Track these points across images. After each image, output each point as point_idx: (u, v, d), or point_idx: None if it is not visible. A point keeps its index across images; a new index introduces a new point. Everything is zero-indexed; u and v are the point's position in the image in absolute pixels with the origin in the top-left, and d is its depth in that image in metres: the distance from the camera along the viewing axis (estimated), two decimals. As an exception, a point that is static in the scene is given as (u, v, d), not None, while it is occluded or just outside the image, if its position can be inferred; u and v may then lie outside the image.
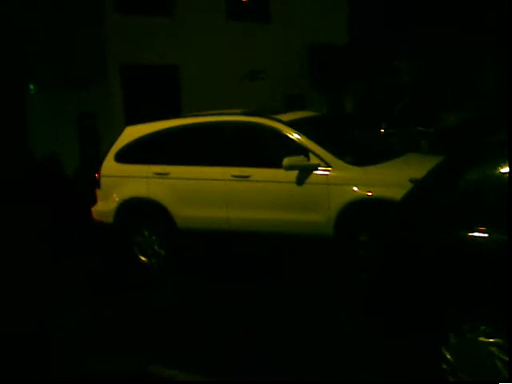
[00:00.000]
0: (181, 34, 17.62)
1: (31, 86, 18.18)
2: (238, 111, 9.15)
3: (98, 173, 9.54)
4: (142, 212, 9.18)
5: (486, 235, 4.48)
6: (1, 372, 5.78)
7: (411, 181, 7.36)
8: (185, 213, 8.84)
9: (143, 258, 9.17)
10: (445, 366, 4.56)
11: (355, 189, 7.93)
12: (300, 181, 8.15)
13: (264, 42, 19.17)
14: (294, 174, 8.15)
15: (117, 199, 9.29)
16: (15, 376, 5.73)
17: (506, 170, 4.59)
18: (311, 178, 8.12)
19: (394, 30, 20.47)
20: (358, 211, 7.88)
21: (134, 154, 9.41)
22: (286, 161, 8.11)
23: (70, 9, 16.89)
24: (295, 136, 8.38)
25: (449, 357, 4.54)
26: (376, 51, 19.99)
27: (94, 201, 9.64)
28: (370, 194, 7.84)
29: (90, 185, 9.95)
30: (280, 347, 6.01)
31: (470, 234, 4.55)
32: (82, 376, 5.71)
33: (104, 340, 6.54)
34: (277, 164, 8.21)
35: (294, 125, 8.59)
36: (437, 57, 19.18)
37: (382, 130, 16.13)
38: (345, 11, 21.68)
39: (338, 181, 8.01)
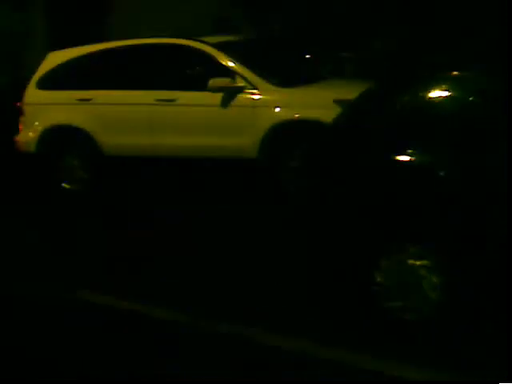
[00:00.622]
0: None
1: None
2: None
3: (21, 101, 9.25)
4: (65, 139, 8.97)
5: (413, 158, 4.49)
6: None
7: (335, 101, 7.40)
8: (109, 139, 8.66)
9: (67, 186, 9.01)
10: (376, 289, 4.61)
11: (280, 111, 7.89)
12: (225, 103, 8.06)
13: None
14: (219, 96, 8.05)
15: (39, 128, 9.06)
16: None
17: (435, 93, 4.59)
18: (237, 101, 8.04)
19: None
20: (283, 133, 7.86)
21: (57, 80, 9.18)
22: (211, 82, 8.01)
23: None
24: (221, 58, 8.24)
25: (379, 279, 4.58)
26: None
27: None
28: (296, 115, 7.82)
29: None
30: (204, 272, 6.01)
31: (398, 157, 4.54)
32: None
33: (28, 266, 6.46)
34: (203, 87, 8.09)
35: (221, 47, 8.44)
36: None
37: (309, 56, 15.96)
38: None
39: (263, 103, 7.96)
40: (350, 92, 6.69)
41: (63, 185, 9.01)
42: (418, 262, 4.43)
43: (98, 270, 6.26)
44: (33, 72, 9.49)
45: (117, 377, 4.31)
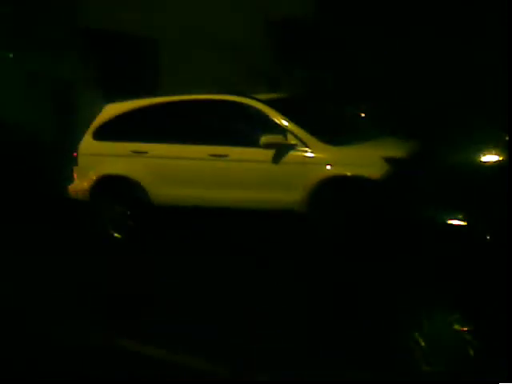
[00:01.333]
0: (161, 8, 17.48)
1: (10, 54, 18.00)
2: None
3: (76, 151, 9.53)
4: (117, 189, 9.18)
5: (462, 221, 4.51)
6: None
7: (385, 159, 7.47)
8: (161, 191, 8.84)
9: (117, 235, 9.19)
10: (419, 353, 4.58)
11: (330, 168, 8.01)
12: (277, 160, 8.20)
13: (241, 14, 18.88)
14: (271, 153, 8.20)
15: (93, 177, 9.29)
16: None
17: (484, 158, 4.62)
18: (288, 158, 8.17)
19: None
20: (331, 189, 7.95)
21: (112, 131, 9.41)
22: (263, 139, 8.17)
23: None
24: (273, 115, 8.41)
25: (423, 344, 4.55)
26: (349, 26, 19.70)
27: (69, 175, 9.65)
28: (347, 172, 7.91)
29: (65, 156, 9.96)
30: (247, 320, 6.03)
31: (445, 217, 4.57)
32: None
33: (72, 311, 6.56)
34: (255, 143, 8.27)
35: (272, 104, 8.62)
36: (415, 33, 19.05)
37: (363, 113, 16.10)
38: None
39: (314, 160, 8.09)
40: (400, 150, 6.81)
41: (114, 233, 9.19)
42: (462, 327, 4.41)
43: (130, 315, 6.36)
44: (84, 119, 9.80)
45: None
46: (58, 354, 5.52)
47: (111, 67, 17.28)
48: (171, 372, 5.17)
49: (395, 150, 7.66)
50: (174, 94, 9.49)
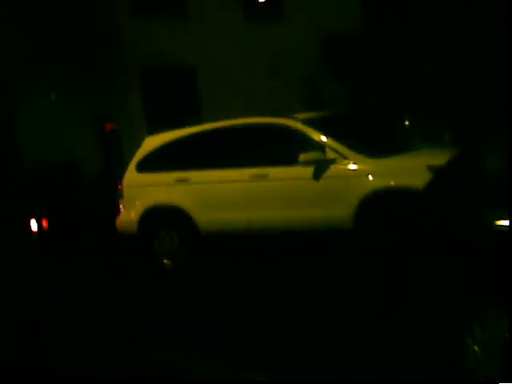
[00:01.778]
0: (197, 36, 17.79)
1: (52, 94, 18.45)
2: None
3: (121, 184, 9.69)
4: (164, 219, 9.30)
5: (502, 224, 4.41)
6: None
7: (428, 168, 7.40)
8: (206, 216, 8.94)
9: (167, 264, 9.27)
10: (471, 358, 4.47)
11: (373, 180, 7.95)
12: (317, 176, 8.19)
13: (278, 41, 19.20)
14: (311, 169, 8.20)
15: (140, 209, 9.42)
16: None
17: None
18: (328, 172, 8.16)
19: (410, 17, 20.24)
20: (377, 202, 7.89)
21: (154, 162, 9.56)
22: (302, 157, 8.19)
23: (87, 12, 17.16)
24: (310, 132, 8.43)
25: (476, 348, 4.44)
26: (392, 40, 19.80)
27: (115, 208, 9.80)
28: (392, 183, 7.85)
29: (112, 188, 10.13)
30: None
31: (497, 222, 4.49)
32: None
33: (125, 342, 6.63)
34: (294, 161, 8.29)
35: (309, 122, 8.65)
36: (459, 47, 18.96)
37: (407, 123, 16.04)
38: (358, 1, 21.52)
39: (355, 173, 8.06)
40: (443, 159, 6.72)
41: (164, 262, 9.27)
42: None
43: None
44: (130, 151, 9.98)
45: None
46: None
47: (154, 100, 17.62)
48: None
49: (437, 158, 7.59)
50: (213, 120, 9.63)
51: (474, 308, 4.50)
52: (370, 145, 8.59)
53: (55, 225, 11.45)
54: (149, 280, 9.06)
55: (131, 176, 9.65)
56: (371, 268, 7.65)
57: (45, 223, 11.16)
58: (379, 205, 7.91)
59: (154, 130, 10.83)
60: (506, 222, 4.43)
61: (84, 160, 16.81)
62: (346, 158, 8.13)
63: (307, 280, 8.04)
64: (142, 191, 9.50)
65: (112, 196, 10.17)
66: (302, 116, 8.92)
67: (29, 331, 6.93)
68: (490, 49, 16.20)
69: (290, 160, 8.37)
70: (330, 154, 8.19)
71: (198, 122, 11.83)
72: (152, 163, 9.55)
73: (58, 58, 17.54)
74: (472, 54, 16.74)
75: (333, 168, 8.15)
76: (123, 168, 10.09)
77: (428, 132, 14.47)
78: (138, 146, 9.94)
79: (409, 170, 7.86)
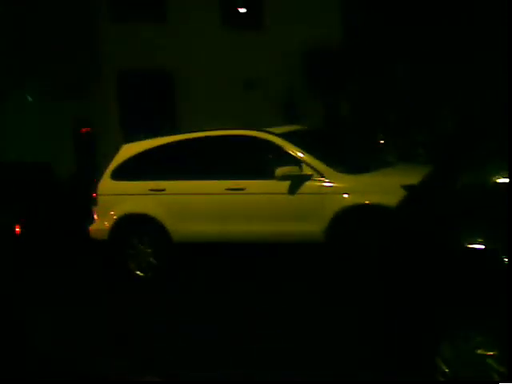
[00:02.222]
0: (175, 41, 17.78)
1: (28, 96, 18.33)
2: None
3: (95, 191, 9.62)
4: (137, 228, 9.25)
5: (483, 246, 4.41)
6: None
7: (403, 187, 7.45)
8: (180, 227, 8.90)
9: (139, 273, 9.22)
10: (441, 379, 4.49)
11: (347, 197, 8.00)
12: (293, 191, 8.21)
13: (257, 50, 19.23)
14: (287, 184, 8.22)
15: (114, 217, 9.36)
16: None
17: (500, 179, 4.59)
18: (304, 188, 8.19)
19: (391, 31, 20.38)
20: (349, 218, 7.94)
21: (130, 171, 9.50)
22: (278, 171, 8.19)
23: (65, 16, 17.08)
24: (287, 147, 8.46)
25: (446, 370, 4.46)
26: (372, 54, 19.93)
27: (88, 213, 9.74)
28: (366, 201, 7.91)
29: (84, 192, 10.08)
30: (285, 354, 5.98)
31: (468, 244, 4.49)
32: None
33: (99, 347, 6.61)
34: (271, 176, 8.30)
35: (286, 137, 8.67)
36: (436, 61, 19.15)
37: (382, 141, 16.16)
38: (338, 14, 21.65)
39: (331, 190, 8.09)
40: (418, 177, 6.78)
41: (136, 272, 9.22)
42: (486, 352, 4.31)
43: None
44: (105, 159, 9.93)
45: None
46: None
47: (130, 104, 17.59)
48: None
49: (412, 176, 7.66)
50: (190, 130, 9.63)
51: (440, 326, 4.55)
52: (346, 161, 8.68)
53: (29, 228, 11.33)
54: (118, 288, 9.03)
55: (106, 184, 9.58)
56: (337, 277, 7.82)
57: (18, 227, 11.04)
58: (351, 221, 7.96)
59: (129, 134, 10.80)
60: (478, 246, 4.48)
61: (59, 162, 16.69)
62: (321, 174, 8.16)
63: (277, 287, 8.17)
64: (116, 199, 9.43)
65: (84, 199, 10.12)
66: (279, 130, 8.94)
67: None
68: (472, 64, 16.38)
69: (266, 174, 8.37)
70: (307, 170, 8.22)
71: (174, 127, 11.86)
72: (127, 172, 9.49)
73: (36, 59, 17.45)
74: (454, 70, 16.91)
75: (308, 184, 8.17)
76: (96, 172, 10.05)
77: (403, 150, 14.61)
78: (113, 150, 9.88)
79: (383, 188, 7.91)
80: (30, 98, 18.34)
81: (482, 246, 4.44)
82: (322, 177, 8.15)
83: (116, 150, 9.82)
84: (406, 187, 7.31)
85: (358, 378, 4.88)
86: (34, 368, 6.05)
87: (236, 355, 5.94)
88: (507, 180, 4.60)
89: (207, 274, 9.17)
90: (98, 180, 9.69)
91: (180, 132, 10.09)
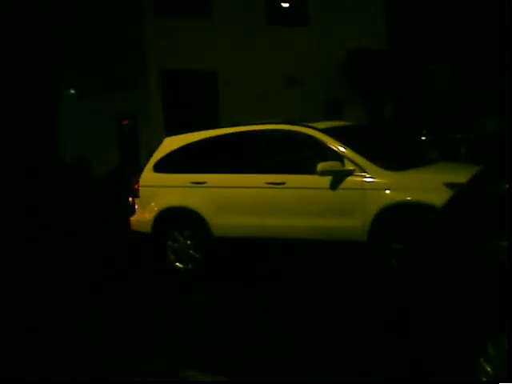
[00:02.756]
0: (218, 38, 17.84)
1: (72, 91, 18.62)
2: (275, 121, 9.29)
3: (137, 183, 9.70)
4: (178, 220, 9.29)
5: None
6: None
7: (446, 185, 7.39)
8: (220, 220, 8.93)
9: (178, 264, 9.28)
10: (484, 379, 4.44)
11: (390, 193, 7.93)
12: (334, 186, 8.17)
13: (302, 47, 19.22)
14: (328, 179, 8.18)
15: (155, 209, 9.43)
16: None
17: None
18: (346, 184, 8.14)
19: (433, 33, 20.29)
20: (393, 216, 7.87)
21: (172, 163, 9.56)
22: (320, 166, 8.15)
23: (110, 12, 17.30)
24: (329, 142, 8.41)
25: (489, 369, 4.44)
26: (415, 56, 19.85)
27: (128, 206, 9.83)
28: (408, 198, 7.83)
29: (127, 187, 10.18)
30: (315, 358, 5.94)
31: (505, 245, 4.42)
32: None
33: (139, 345, 6.63)
34: (311, 171, 8.26)
35: (329, 132, 8.63)
36: (476, 62, 18.97)
37: (424, 138, 16.00)
38: (383, 15, 21.58)
39: (373, 186, 8.02)
40: (461, 175, 6.71)
41: (176, 264, 9.28)
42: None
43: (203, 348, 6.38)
44: (147, 151, 10.02)
45: None
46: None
47: (174, 101, 17.72)
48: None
49: (455, 174, 7.58)
50: (232, 125, 9.67)
51: (486, 326, 4.49)
52: (388, 157, 8.60)
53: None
54: (159, 280, 9.11)
55: (148, 176, 9.65)
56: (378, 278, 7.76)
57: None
58: (394, 218, 7.89)
59: (171, 131, 10.87)
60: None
61: (102, 156, 16.97)
62: (363, 169, 8.11)
63: (312, 288, 8.11)
64: (157, 191, 9.50)
65: (124, 193, 10.23)
66: (322, 125, 8.91)
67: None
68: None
69: (307, 169, 8.35)
70: (349, 165, 8.17)
71: (216, 125, 11.90)
72: (169, 164, 9.56)
73: (82, 56, 17.72)
74: (494, 69, 16.71)
75: (350, 179, 8.13)
76: (137, 166, 10.12)
77: (445, 148, 14.44)
78: (155, 146, 9.97)
79: (426, 185, 7.85)
80: (73, 95, 18.64)
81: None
82: (364, 172, 8.10)
83: (159, 143, 9.90)
84: (449, 185, 7.29)
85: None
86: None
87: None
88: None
89: (244, 269, 9.18)
90: (141, 172, 9.78)
91: (222, 127, 10.15)
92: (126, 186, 10.29)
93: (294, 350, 6.01)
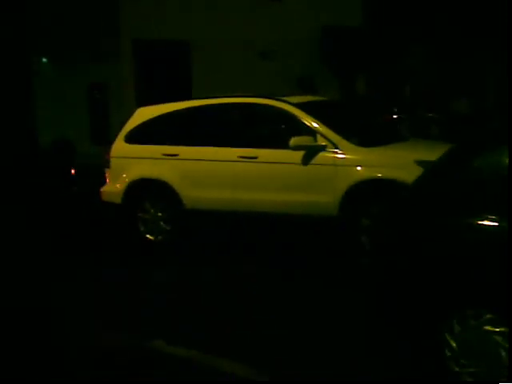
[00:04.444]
0: (192, 9, 17.67)
1: (43, 59, 18.32)
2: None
3: (108, 154, 9.63)
4: (149, 192, 9.27)
5: (496, 223, 4.42)
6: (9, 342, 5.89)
7: (417, 162, 7.46)
8: (192, 193, 8.90)
9: (149, 237, 9.26)
10: (448, 354, 4.55)
11: (361, 170, 7.98)
12: (306, 161, 8.19)
13: (277, 21, 19.11)
14: (300, 154, 8.19)
15: (126, 180, 9.37)
16: (19, 347, 5.81)
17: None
18: (318, 159, 8.16)
19: (409, 13, 20.31)
20: (363, 192, 7.93)
21: (144, 135, 9.48)
22: (292, 141, 8.15)
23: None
24: (302, 117, 8.42)
25: (453, 344, 4.54)
26: (389, 34, 19.87)
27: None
28: (379, 174, 7.89)
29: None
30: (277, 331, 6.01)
31: (479, 221, 4.51)
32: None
33: (106, 315, 6.64)
34: (284, 145, 8.25)
35: (303, 106, 8.63)
36: (450, 43, 19.05)
37: (395, 116, 16.09)
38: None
39: (345, 162, 8.06)
40: (432, 153, 6.76)
41: (146, 235, 9.27)
42: (494, 329, 4.34)
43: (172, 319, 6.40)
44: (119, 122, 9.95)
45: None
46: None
47: (146, 72, 17.57)
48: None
49: (426, 152, 7.64)
50: (205, 97, 9.59)
51: (450, 302, 4.57)
52: (361, 134, 8.62)
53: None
54: (130, 252, 9.09)
55: (119, 146, 9.56)
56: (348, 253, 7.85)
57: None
58: (364, 194, 7.96)
59: (143, 102, 10.78)
60: (488, 223, 4.47)
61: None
62: (336, 145, 8.14)
63: (284, 262, 8.17)
64: (129, 162, 9.43)
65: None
66: (295, 99, 8.88)
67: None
68: (489, 48, 16.28)
69: (280, 143, 8.35)
70: (321, 141, 8.19)
71: (188, 97, 11.82)
72: (142, 135, 9.47)
73: (54, 24, 17.44)
74: (471, 53, 16.83)
75: (322, 155, 8.15)
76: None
77: (416, 126, 14.55)
78: (126, 116, 9.88)
79: (397, 162, 7.91)
80: (44, 63, 18.34)
81: (495, 224, 4.45)
82: (336, 148, 8.13)
83: (131, 113, 9.82)
84: (420, 163, 7.36)
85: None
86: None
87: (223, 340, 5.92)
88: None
89: (215, 242, 9.20)
90: (112, 142, 9.71)
91: (195, 99, 10.08)
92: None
93: (257, 321, 6.09)
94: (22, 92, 17.79)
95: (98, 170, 10.03)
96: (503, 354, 4.29)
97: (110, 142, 9.87)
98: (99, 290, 7.45)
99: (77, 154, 14.40)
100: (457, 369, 4.53)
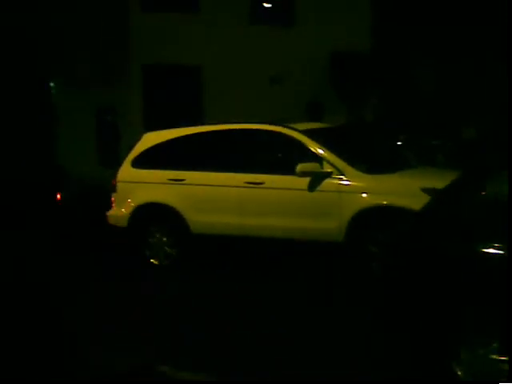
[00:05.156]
0: (204, 35, 17.78)
1: (52, 84, 18.44)
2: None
3: (115, 178, 9.66)
4: (156, 217, 9.28)
5: (502, 252, 4.42)
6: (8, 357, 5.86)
7: (423, 190, 7.43)
8: (198, 218, 8.92)
9: (154, 261, 9.26)
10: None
11: (367, 196, 7.97)
12: (313, 188, 8.20)
13: (286, 47, 19.22)
14: (306, 181, 8.21)
15: (132, 204, 9.40)
16: (21, 364, 5.77)
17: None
18: (324, 186, 8.17)
19: (418, 38, 20.37)
20: (369, 219, 7.92)
21: (150, 159, 9.53)
22: (299, 167, 8.17)
23: (94, 6, 17.18)
24: (309, 144, 8.44)
25: (459, 373, 4.50)
26: (400, 60, 19.93)
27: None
28: (384, 202, 7.87)
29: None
30: (286, 351, 5.96)
31: (486, 249, 4.51)
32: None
33: (110, 336, 6.59)
34: (290, 171, 8.27)
35: (309, 133, 8.66)
36: (459, 67, 19.09)
37: (400, 142, 16.06)
38: (368, 18, 21.60)
39: (350, 188, 8.07)
40: (438, 181, 6.75)
41: (151, 260, 9.26)
42: (500, 357, 4.32)
43: (176, 344, 6.35)
44: (127, 147, 9.99)
45: None
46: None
47: (156, 96, 17.64)
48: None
49: (432, 180, 7.63)
50: (213, 122, 9.64)
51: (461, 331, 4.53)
52: (367, 161, 8.63)
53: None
54: (135, 276, 9.03)
55: (126, 171, 9.62)
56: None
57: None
58: (370, 221, 7.94)
59: (151, 127, 10.82)
60: (495, 251, 4.44)
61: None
62: (341, 172, 8.15)
63: (292, 283, 8.18)
64: (136, 187, 9.47)
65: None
66: (302, 126, 8.93)
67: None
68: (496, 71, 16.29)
69: (286, 169, 8.36)
70: (327, 167, 8.21)
71: (200, 122, 11.87)
72: (148, 160, 9.52)
73: (66, 48, 17.57)
74: (479, 76, 16.84)
75: (328, 181, 8.16)
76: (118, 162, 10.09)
77: (422, 153, 14.51)
78: (134, 141, 9.92)
79: (402, 190, 7.90)
80: (53, 88, 18.47)
81: (500, 254, 4.42)
82: (342, 175, 8.14)
83: (138, 138, 9.86)
84: (426, 190, 7.33)
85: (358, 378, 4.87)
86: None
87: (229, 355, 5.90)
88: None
89: (220, 267, 9.15)
90: (119, 167, 9.74)
91: (202, 124, 10.12)
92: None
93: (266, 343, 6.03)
94: (44, 121, 17.96)
95: (99, 193, 10.05)
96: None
97: (118, 165, 9.90)
98: (101, 311, 7.44)
99: (69, 178, 14.27)
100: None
